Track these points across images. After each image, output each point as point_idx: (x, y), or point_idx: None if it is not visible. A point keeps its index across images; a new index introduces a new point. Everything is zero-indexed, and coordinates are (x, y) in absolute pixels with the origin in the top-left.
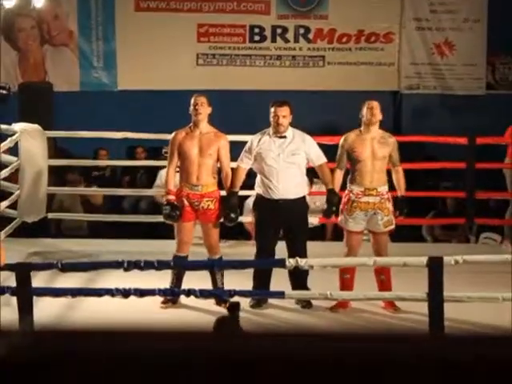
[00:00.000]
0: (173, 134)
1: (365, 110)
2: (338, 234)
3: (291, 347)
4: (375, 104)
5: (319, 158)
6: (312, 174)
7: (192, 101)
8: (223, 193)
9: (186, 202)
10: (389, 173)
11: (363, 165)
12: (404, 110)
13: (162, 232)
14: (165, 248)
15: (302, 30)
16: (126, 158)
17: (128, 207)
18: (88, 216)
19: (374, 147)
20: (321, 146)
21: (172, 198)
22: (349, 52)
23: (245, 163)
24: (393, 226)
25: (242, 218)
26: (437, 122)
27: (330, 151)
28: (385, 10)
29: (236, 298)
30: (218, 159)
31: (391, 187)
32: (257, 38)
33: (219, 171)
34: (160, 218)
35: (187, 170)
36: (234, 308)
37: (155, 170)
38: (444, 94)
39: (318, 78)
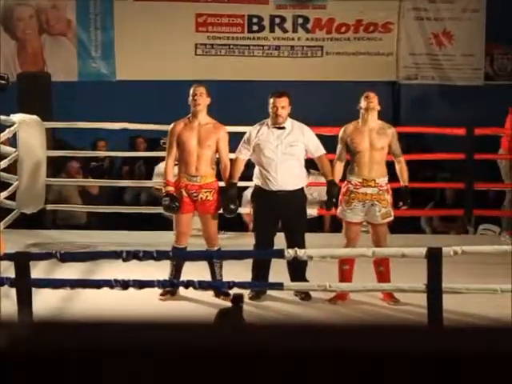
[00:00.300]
0: (171, 125)
1: (362, 100)
2: (336, 225)
3: (290, 339)
4: (372, 94)
5: (318, 150)
6: (308, 164)
7: (191, 91)
8: (221, 184)
9: (184, 193)
10: (389, 164)
11: (361, 155)
12: (402, 100)
13: (160, 223)
14: (163, 239)
15: (300, 20)
16: (126, 148)
17: (128, 198)
18: (86, 207)
19: (373, 138)
20: (319, 136)
21: (171, 189)
22: (347, 42)
23: (243, 154)
24: (391, 218)
25: (240, 210)
26: (435, 112)
27: (328, 142)
28: None
29: (235, 290)
30: (217, 150)
31: (392, 179)
32: (255, 27)
33: (218, 162)
34: (159, 210)
35: (186, 160)
36: (238, 300)
37: (154, 161)
38: (442, 85)
39: (316, 69)
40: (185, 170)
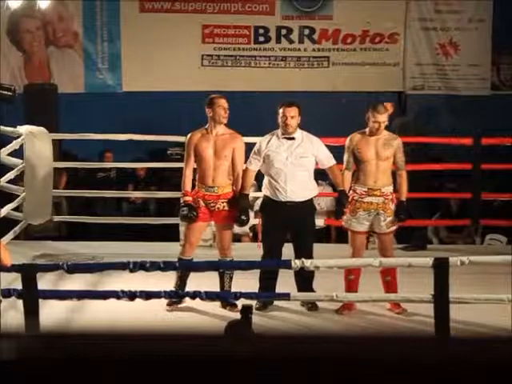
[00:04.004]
0: (188, 136)
1: (371, 122)
2: (343, 236)
3: (299, 349)
4: (382, 119)
5: (329, 160)
6: (317, 175)
7: (217, 107)
8: None
9: (201, 203)
10: (395, 174)
11: (367, 165)
12: (409, 110)
13: (165, 234)
14: (169, 250)
15: (306, 31)
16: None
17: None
18: (93, 218)
19: (378, 148)
20: (326, 147)
21: (189, 199)
22: (353, 52)
23: (253, 165)
24: (395, 227)
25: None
26: (442, 122)
27: (335, 152)
28: (389, 10)
29: (242, 300)
30: (232, 160)
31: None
32: (261, 38)
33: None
34: (163, 221)
35: (203, 171)
36: (247, 311)
37: (160, 172)
38: (449, 95)
39: (322, 79)
40: (202, 181)
